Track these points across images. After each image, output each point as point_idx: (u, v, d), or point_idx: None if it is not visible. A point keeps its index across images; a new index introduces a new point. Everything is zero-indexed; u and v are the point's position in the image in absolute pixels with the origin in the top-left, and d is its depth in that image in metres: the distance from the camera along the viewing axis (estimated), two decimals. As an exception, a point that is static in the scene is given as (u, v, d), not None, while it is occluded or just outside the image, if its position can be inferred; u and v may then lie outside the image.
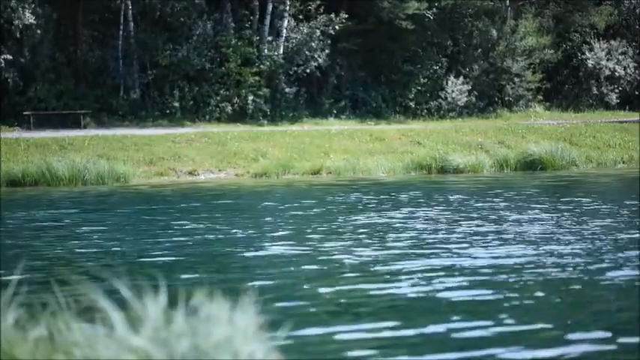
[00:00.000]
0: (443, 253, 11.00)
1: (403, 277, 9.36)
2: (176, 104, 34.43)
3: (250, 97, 34.91)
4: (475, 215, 14.97)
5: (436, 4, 38.35)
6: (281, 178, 24.88)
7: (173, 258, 10.98)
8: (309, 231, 13.27)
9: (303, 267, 10.09)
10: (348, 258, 10.61)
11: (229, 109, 34.77)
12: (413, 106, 38.41)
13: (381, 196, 18.88)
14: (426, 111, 38.48)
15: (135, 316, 3.98)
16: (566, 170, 26.62)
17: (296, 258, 10.73)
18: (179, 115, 34.37)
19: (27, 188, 22.57)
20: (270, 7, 36.20)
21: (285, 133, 30.11)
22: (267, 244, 11.95)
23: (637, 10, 45.18)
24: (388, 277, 9.43)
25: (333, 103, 37.05)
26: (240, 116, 34.77)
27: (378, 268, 9.98)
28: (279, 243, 12.00)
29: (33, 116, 32.09)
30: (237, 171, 25.97)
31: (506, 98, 40.45)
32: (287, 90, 36.01)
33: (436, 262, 10.28)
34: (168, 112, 34.42)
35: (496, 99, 40.40)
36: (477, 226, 13.52)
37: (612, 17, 44.43)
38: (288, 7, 36.40)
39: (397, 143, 29.35)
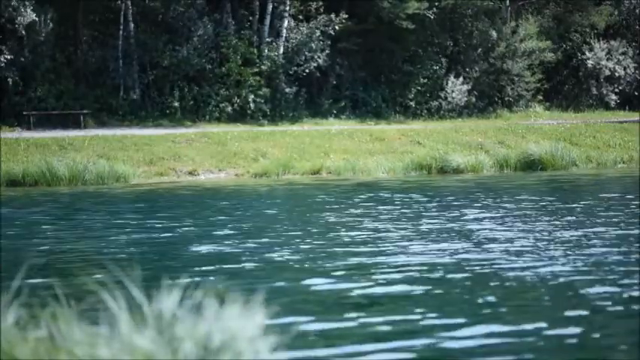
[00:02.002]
0: (376, 250, 11.23)
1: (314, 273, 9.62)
2: (176, 104, 34.44)
3: (250, 97, 34.91)
4: (428, 214, 15.24)
5: (436, 4, 38.34)
6: (281, 178, 24.89)
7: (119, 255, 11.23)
8: (250, 229, 13.65)
9: (227, 265, 10.32)
10: (278, 256, 10.88)
11: (229, 109, 34.78)
12: (413, 106, 38.41)
13: (357, 196, 19.00)
14: (426, 111, 38.48)
15: (139, 316, 3.99)
16: (566, 170, 26.63)
17: (229, 256, 10.98)
18: (179, 115, 34.37)
19: (27, 188, 22.58)
20: (270, 8, 36.21)
21: (285, 133, 30.11)
22: (206, 242, 12.20)
23: (637, 10, 45.17)
24: (299, 273, 9.68)
25: (333, 103, 37.05)
26: (241, 116, 34.77)
27: (300, 265, 10.25)
28: (218, 241, 12.26)
29: (33, 116, 32.09)
30: (237, 171, 25.98)
31: (506, 98, 40.46)
32: (287, 90, 36.01)
33: (365, 259, 10.55)
34: (168, 112, 34.43)
35: (496, 99, 40.40)
36: (423, 225, 13.77)
37: (612, 17, 44.42)
38: (288, 8, 36.40)
39: (397, 143, 29.35)
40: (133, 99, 34.52)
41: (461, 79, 38.79)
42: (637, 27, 45.04)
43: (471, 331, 6.93)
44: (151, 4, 34.92)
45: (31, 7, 32.17)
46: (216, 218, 15.40)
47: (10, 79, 32.43)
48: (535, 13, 42.87)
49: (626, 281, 8.92)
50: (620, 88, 43.53)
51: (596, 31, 43.70)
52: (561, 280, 9.04)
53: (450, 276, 9.38)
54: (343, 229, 13.34)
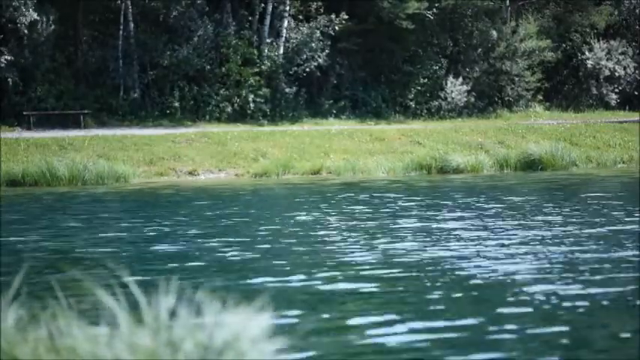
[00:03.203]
0: (333, 248, 11.42)
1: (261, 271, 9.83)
2: (176, 104, 34.43)
3: (250, 97, 34.90)
4: (403, 214, 15.42)
5: (436, 4, 38.33)
6: (281, 178, 24.89)
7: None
8: (217, 229, 13.88)
9: (175, 264, 10.49)
10: (235, 255, 11.08)
11: (229, 109, 34.77)
12: (413, 106, 38.40)
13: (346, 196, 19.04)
14: (425, 111, 38.47)
15: (140, 315, 4.00)
16: (566, 170, 26.64)
17: (182, 254, 11.23)
18: (179, 115, 34.37)
19: (27, 188, 22.59)
20: (270, 8, 36.20)
21: (285, 133, 30.11)
22: (167, 241, 12.47)
23: (637, 10, 45.17)
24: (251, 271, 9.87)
25: (333, 103, 37.04)
26: (241, 116, 34.77)
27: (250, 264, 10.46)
28: (180, 240, 12.53)
29: (33, 116, 32.08)
30: (237, 171, 25.98)
31: (506, 98, 40.45)
32: (287, 90, 36.01)
33: (319, 257, 10.73)
34: (168, 112, 34.42)
35: (496, 99, 40.40)
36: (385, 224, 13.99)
37: (612, 17, 44.42)
38: (288, 8, 36.40)
39: (397, 143, 29.36)
40: (133, 99, 34.51)
41: (461, 79, 38.79)
42: (637, 27, 45.04)
43: (406, 327, 7.10)
44: (151, 4, 34.90)
45: (33, 7, 32.17)
46: (190, 218, 15.60)
47: (10, 79, 32.42)
48: (535, 13, 42.86)
49: (582, 278, 9.12)
50: (620, 88, 43.53)
51: (596, 31, 43.69)
52: (516, 278, 9.20)
53: (402, 274, 9.56)
54: (310, 229, 13.53)
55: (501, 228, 13.21)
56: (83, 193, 21.29)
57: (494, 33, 40.24)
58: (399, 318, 7.43)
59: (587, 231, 12.68)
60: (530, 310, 7.78)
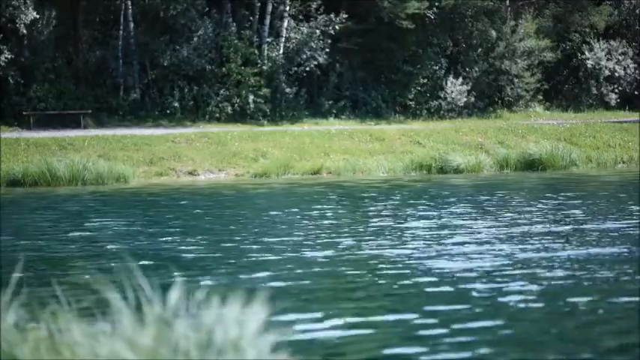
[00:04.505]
0: (284, 248, 11.62)
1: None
2: (176, 104, 34.42)
3: (250, 97, 34.89)
4: (373, 214, 15.64)
5: (436, 4, 38.31)
6: (281, 178, 24.89)
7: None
8: (185, 228, 14.17)
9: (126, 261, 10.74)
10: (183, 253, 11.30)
11: (229, 109, 34.76)
12: (413, 106, 38.38)
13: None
14: (425, 111, 38.45)
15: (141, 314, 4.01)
16: (566, 170, 26.65)
17: (136, 252, 11.47)
18: (179, 115, 34.35)
19: (27, 188, 22.59)
20: (270, 8, 36.19)
21: (285, 133, 30.10)
22: (128, 239, 12.75)
23: (637, 10, 45.15)
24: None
25: (333, 103, 37.02)
26: (241, 116, 34.76)
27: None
28: (141, 239, 12.77)
29: (33, 116, 32.08)
30: (237, 171, 25.98)
31: (506, 98, 40.44)
32: (287, 90, 35.99)
33: (272, 256, 10.99)
34: (168, 112, 34.41)
35: (496, 99, 40.39)
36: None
37: (612, 17, 44.40)
38: (288, 8, 36.39)
39: (397, 143, 29.35)
40: (133, 99, 34.50)
41: (461, 79, 38.77)
42: (637, 27, 45.02)
43: (332, 323, 7.27)
44: (151, 4, 34.88)
45: (32, 6, 32.16)
46: (164, 217, 15.86)
47: (10, 79, 32.42)
48: (535, 13, 42.84)
49: (537, 275, 9.40)
50: (620, 88, 43.50)
51: (596, 31, 43.67)
52: (466, 275, 9.42)
53: (352, 271, 9.75)
54: (275, 228, 13.74)
55: (468, 227, 13.41)
56: (60, 193, 21.45)
57: (494, 33, 40.23)
58: (336, 313, 7.59)
59: (550, 230, 12.94)
60: (469, 306, 8.00)
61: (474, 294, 8.53)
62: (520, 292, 8.58)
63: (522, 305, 8.15)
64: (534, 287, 8.82)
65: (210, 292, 4.11)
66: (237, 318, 3.99)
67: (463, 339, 6.89)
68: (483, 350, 6.58)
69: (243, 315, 4.03)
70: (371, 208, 16.56)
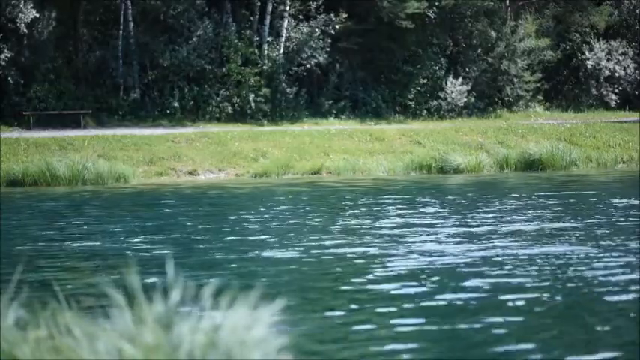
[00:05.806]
0: (252, 247, 11.70)
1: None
2: (176, 104, 34.41)
3: (250, 97, 34.88)
4: (352, 213, 15.70)
5: (436, 4, 38.30)
6: (281, 178, 24.90)
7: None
8: (154, 228, 14.33)
9: (89, 261, 10.90)
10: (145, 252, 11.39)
11: (229, 109, 34.76)
12: (413, 106, 38.38)
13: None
14: (425, 111, 38.44)
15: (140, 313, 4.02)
16: (566, 170, 26.65)
17: (101, 251, 11.70)
18: (179, 115, 34.35)
19: (27, 188, 22.59)
20: (270, 8, 36.19)
21: (285, 133, 30.11)
22: (94, 239, 12.88)
23: (637, 11, 45.14)
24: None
25: (333, 103, 37.02)
26: (241, 116, 34.75)
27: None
28: (108, 238, 12.90)
29: (33, 116, 32.08)
30: (237, 171, 25.98)
31: (506, 98, 40.43)
32: (287, 90, 35.98)
33: (239, 254, 11.08)
34: (168, 112, 34.41)
35: (496, 99, 40.38)
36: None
37: (612, 17, 44.39)
38: (287, 7, 36.39)
39: (397, 143, 29.35)
40: (133, 99, 34.49)
41: (460, 79, 38.77)
42: (637, 27, 45.01)
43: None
44: (151, 4, 34.88)
45: (32, 5, 32.16)
46: (140, 217, 15.98)
47: (10, 79, 32.41)
48: (535, 13, 42.84)
49: (493, 273, 9.53)
50: (620, 88, 43.50)
51: (596, 31, 43.67)
52: (430, 273, 9.57)
53: (314, 271, 9.89)
54: (248, 228, 13.80)
55: (443, 226, 13.53)
56: (49, 192, 21.50)
57: (494, 33, 40.23)
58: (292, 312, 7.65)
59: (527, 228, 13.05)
60: (433, 303, 8.18)
61: (440, 290, 8.65)
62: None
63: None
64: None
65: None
66: (236, 321, 3.99)
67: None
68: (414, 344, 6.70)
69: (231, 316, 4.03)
70: (347, 209, 16.53)
